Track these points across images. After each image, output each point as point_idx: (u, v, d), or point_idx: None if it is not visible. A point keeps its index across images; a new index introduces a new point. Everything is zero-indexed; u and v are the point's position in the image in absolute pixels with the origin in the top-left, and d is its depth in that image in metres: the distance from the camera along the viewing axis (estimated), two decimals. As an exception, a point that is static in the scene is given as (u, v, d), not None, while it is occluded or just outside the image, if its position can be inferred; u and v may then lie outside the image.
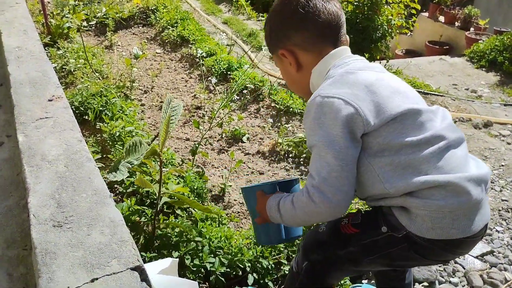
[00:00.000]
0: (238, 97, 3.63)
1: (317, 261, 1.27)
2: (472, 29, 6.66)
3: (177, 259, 1.56)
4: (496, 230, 2.35)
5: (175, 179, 2.32)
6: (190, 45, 4.81)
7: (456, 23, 7.08)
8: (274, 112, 3.47)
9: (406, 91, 1.15)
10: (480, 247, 2.22)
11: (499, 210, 2.48)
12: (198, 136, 3.17)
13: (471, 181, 1.04)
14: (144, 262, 1.65)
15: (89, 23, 4.94)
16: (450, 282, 2.03)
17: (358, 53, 4.01)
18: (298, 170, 2.84)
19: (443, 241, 1.07)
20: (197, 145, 2.62)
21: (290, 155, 2.95)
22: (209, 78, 3.98)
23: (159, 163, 1.75)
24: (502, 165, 2.95)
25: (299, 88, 1.32)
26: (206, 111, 3.53)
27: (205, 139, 3.06)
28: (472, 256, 2.17)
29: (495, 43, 5.26)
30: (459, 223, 1.04)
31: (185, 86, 4.09)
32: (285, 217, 1.15)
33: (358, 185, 1.10)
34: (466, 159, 1.11)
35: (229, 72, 4.04)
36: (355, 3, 4.21)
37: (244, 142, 3.16)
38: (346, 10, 4.25)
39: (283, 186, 1.30)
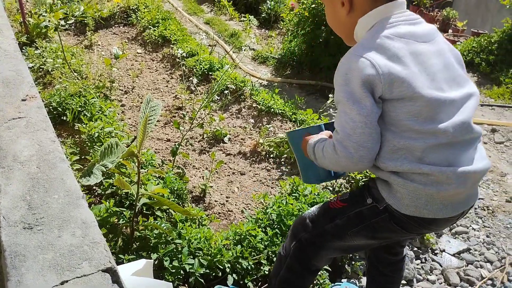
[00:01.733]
0: (219, 98, 3.62)
1: (305, 239, 1.34)
2: (450, 30, 6.79)
3: (152, 260, 1.54)
4: (473, 228, 2.39)
5: (155, 180, 2.30)
6: (171, 45, 4.77)
7: (435, 24, 7.20)
8: (255, 113, 3.47)
9: (439, 72, 1.11)
10: (457, 245, 2.26)
11: (475, 209, 2.52)
12: (179, 137, 3.14)
13: (458, 176, 1.08)
14: (122, 264, 1.63)
15: (67, 22, 4.85)
16: (427, 280, 2.06)
17: (338, 55, 4.01)
18: (279, 170, 2.84)
19: (416, 217, 1.14)
20: (177, 146, 2.60)
21: (271, 156, 2.96)
22: (191, 78, 3.95)
23: (137, 164, 1.73)
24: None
25: (343, 31, 1.25)
26: (187, 112, 3.51)
27: (185, 140, 3.04)
28: (449, 254, 2.20)
29: (473, 45, 5.37)
30: (432, 206, 1.12)
31: (166, 86, 4.05)
32: (319, 161, 1.22)
33: None
34: (465, 155, 1.12)
35: (210, 73, 4.03)
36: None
37: (226, 143, 3.14)
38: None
39: (329, 126, 1.35)
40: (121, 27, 5.66)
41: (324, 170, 1.35)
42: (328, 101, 3.24)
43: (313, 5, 4.32)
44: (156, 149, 3.02)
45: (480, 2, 8.92)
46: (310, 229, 1.34)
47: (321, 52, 4.40)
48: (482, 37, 5.51)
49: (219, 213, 2.42)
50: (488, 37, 5.47)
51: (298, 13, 4.58)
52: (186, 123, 3.27)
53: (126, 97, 3.75)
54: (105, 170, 1.48)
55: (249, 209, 2.48)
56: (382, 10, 1.12)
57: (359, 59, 1.04)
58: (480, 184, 2.77)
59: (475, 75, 5.08)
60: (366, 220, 1.23)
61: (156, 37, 4.98)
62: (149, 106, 1.80)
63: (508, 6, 5.84)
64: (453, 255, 2.21)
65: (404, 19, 1.12)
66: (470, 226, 2.41)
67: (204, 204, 2.48)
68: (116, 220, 1.92)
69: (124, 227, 1.94)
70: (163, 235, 1.85)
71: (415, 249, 2.22)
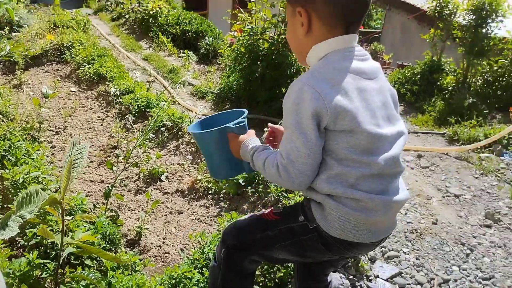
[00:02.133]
0: (155, 135, 3.57)
1: (233, 245, 1.37)
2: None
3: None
4: (403, 252, 2.50)
5: (85, 226, 2.20)
6: (107, 83, 4.69)
7: (365, 57, 7.68)
8: (193, 149, 3.46)
9: (379, 109, 1.18)
10: (389, 270, 2.34)
11: (405, 232, 2.65)
12: (113, 177, 3.05)
13: (384, 204, 1.17)
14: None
15: (-7, 62, 4.64)
16: (363, 306, 2.10)
17: (274, 89, 4.11)
18: (218, 206, 2.83)
19: (342, 240, 1.21)
20: (110, 188, 2.52)
21: (210, 192, 2.94)
22: (127, 116, 3.89)
23: (61, 212, 1.65)
24: (407, 189, 3.17)
25: (298, 49, 1.28)
26: (123, 151, 3.43)
27: (120, 181, 2.95)
28: (382, 279, 2.28)
29: (398, 76, 5.78)
30: (358, 231, 1.19)
31: (101, 125, 3.95)
32: (256, 168, 1.26)
33: None
34: (391, 186, 1.22)
35: (147, 109, 3.99)
36: (270, 41, 4.41)
37: (163, 181, 3.10)
38: (263, 47, 4.44)
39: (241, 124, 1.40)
40: (54, 64, 5.50)
41: (245, 164, 1.39)
42: (264, 134, 3.31)
43: (249, 42, 4.47)
44: (88, 191, 2.90)
45: (404, 36, 9.69)
46: (240, 237, 1.38)
47: (258, 86, 4.53)
48: (406, 69, 5.96)
49: (156, 256, 2.35)
50: (411, 68, 5.92)
51: (235, 49, 4.70)
52: (121, 162, 3.18)
53: (57, 138, 3.60)
54: (22, 222, 1.40)
55: (186, 249, 2.43)
56: (336, 42, 1.17)
57: (310, 90, 1.08)
58: (409, 208, 2.93)
59: (401, 104, 5.44)
60: (296, 237, 1.28)
61: (91, 75, 4.89)
62: (76, 149, 1.74)
63: (428, 40, 6.39)
64: (387, 280, 2.29)
65: (354, 54, 1.18)
66: (401, 250, 2.52)
67: (139, 248, 2.40)
68: (40, 273, 1.80)
69: (48, 281, 1.82)
70: (90, 286, 1.76)
71: (351, 277, 2.27)
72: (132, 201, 2.86)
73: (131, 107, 4.04)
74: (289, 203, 2.47)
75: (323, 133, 1.12)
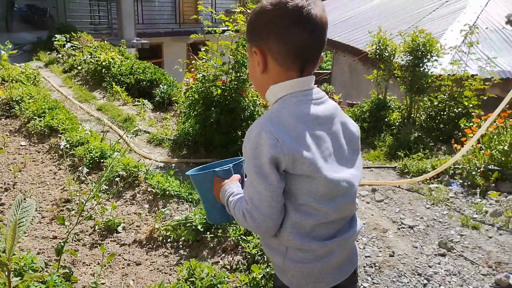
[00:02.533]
0: (108, 186, 3.50)
1: None
2: (330, 103, 7.59)
3: None
4: (363, 286, 2.53)
5: (36, 286, 2.09)
6: (59, 135, 4.59)
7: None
8: (150, 197, 3.41)
9: (335, 155, 1.20)
10: (352, 306, 2.36)
11: (364, 267, 2.70)
12: (67, 232, 2.93)
13: (338, 244, 1.21)
14: None
15: None
16: None
17: (230, 133, 4.17)
18: (177, 255, 2.77)
19: None
20: (62, 244, 2.42)
21: (169, 240, 2.89)
22: (80, 168, 3.80)
23: (7, 273, 1.57)
24: (364, 223, 3.26)
25: (258, 87, 1.30)
26: (77, 204, 3.32)
27: (73, 235, 2.84)
28: (345, 316, 2.28)
29: (349, 115, 6.03)
30: (326, 278, 1.22)
31: (54, 178, 3.83)
32: (231, 212, 1.25)
33: None
34: (346, 226, 1.26)
35: (102, 160, 3.92)
36: (222, 87, 4.53)
37: (120, 232, 3.01)
38: (216, 93, 4.55)
39: (236, 166, 1.39)
40: (2, 119, 5.33)
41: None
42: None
43: (202, 89, 4.57)
44: (40, 249, 2.76)
45: (353, 76, 10.25)
46: None
47: (214, 131, 4.59)
48: (356, 107, 6.26)
49: (113, 312, 2.24)
50: (360, 107, 6.23)
51: (189, 96, 4.78)
52: (74, 216, 3.07)
53: (6, 195, 3.45)
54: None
55: (146, 302, 2.34)
56: (292, 85, 1.18)
57: (268, 136, 1.09)
58: (366, 242, 3.00)
59: (354, 141, 5.66)
60: None
61: (42, 128, 4.77)
62: (21, 208, 1.69)
63: (372, 80, 6.79)
64: (350, 316, 2.30)
65: (310, 98, 1.19)
66: (362, 284, 2.55)
67: (95, 305, 2.29)
68: None
69: None
70: None
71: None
72: (87, 255, 2.75)
73: (84, 158, 3.96)
74: (248, 246, 2.47)
75: (283, 175, 1.13)
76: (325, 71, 13.41)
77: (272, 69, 1.19)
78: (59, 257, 2.43)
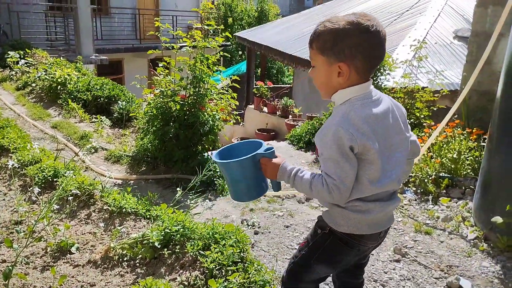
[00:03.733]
0: (60, 206, 3.38)
1: (290, 269, 1.77)
2: (290, 116, 7.72)
3: None
4: (322, 295, 2.56)
5: (-21, 314, 1.97)
6: (10, 155, 4.41)
7: (277, 112, 8.13)
8: (106, 215, 3.32)
9: (389, 142, 1.51)
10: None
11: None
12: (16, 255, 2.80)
13: (380, 206, 1.54)
14: None
15: None
16: None
17: (190, 147, 4.13)
18: (134, 273, 2.70)
19: (351, 234, 1.56)
20: (10, 268, 2.31)
21: (125, 259, 2.81)
22: (32, 188, 3.65)
23: None
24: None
25: (327, 90, 1.54)
26: (28, 225, 3.18)
27: (23, 258, 2.72)
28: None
29: (308, 127, 6.17)
30: (359, 227, 1.55)
31: (3, 200, 3.66)
32: (296, 186, 1.54)
33: None
34: (389, 196, 1.60)
35: (55, 179, 3.79)
36: (181, 102, 4.51)
37: (73, 253, 2.90)
38: (174, 108, 4.52)
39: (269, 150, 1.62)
40: None
41: (274, 184, 1.69)
42: (178, 195, 3.30)
43: (159, 104, 4.53)
44: (-14, 275, 2.62)
45: (312, 90, 10.46)
46: (288, 268, 1.78)
47: (173, 146, 4.55)
48: (314, 120, 6.40)
49: (64, 336, 2.15)
50: (319, 119, 6.37)
51: (147, 111, 4.73)
52: (24, 238, 2.94)
53: (-51, 219, 3.25)
54: None
55: (100, 324, 2.26)
56: (357, 89, 1.48)
57: (345, 131, 1.40)
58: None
59: (314, 153, 5.78)
60: (321, 246, 1.62)
61: (-9, 148, 4.56)
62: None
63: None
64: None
65: (371, 100, 1.49)
66: (320, 294, 2.58)
67: (45, 330, 2.18)
68: None
69: None
70: None
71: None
72: (38, 279, 2.63)
73: (36, 178, 3.81)
74: (206, 260, 2.45)
75: (356, 158, 1.44)
76: (285, 85, 13.65)
77: (351, 78, 1.47)
78: (7, 281, 2.32)
